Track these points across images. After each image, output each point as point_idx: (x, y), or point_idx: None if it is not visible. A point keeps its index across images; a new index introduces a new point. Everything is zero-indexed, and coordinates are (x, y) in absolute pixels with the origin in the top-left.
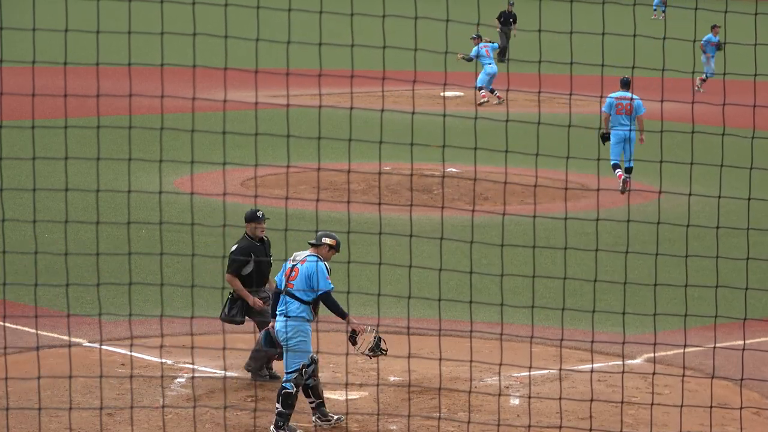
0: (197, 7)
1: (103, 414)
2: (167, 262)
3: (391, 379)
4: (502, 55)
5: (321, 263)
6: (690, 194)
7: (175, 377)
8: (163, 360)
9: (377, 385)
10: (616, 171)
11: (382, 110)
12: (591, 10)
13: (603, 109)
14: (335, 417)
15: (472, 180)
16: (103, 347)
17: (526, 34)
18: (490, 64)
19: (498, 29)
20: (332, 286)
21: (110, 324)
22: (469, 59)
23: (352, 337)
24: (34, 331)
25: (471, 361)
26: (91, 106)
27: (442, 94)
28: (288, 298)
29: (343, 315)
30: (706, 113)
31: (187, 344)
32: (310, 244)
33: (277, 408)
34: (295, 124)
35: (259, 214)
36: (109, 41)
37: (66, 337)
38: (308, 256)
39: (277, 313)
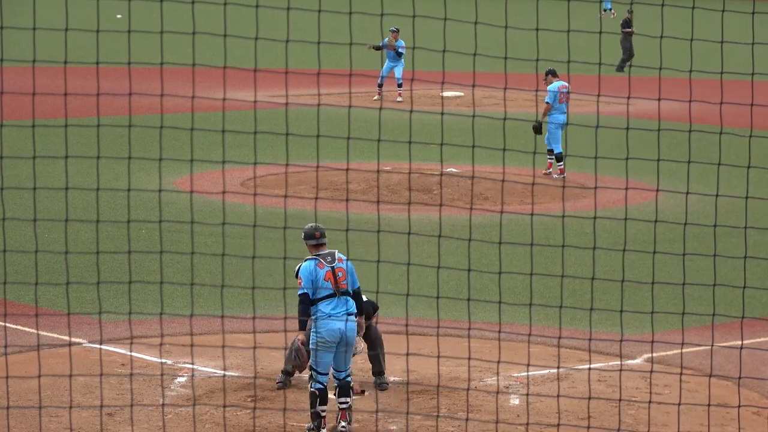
0: (197, 7)
1: (103, 414)
2: (167, 261)
3: (391, 379)
4: (624, 62)
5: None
6: (688, 193)
7: (175, 377)
8: (163, 360)
9: (377, 384)
10: (560, 163)
11: (381, 109)
12: (589, 9)
13: (547, 100)
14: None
15: (471, 179)
16: (103, 347)
17: (526, 33)
18: (391, 60)
19: (621, 37)
20: None
21: (110, 324)
22: (378, 48)
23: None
24: (34, 330)
25: (470, 359)
26: (91, 105)
27: (441, 93)
28: (347, 298)
29: (364, 312)
30: (704, 112)
31: (187, 344)
32: (322, 242)
33: (347, 403)
34: (294, 124)
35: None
36: (109, 41)
37: (66, 337)
38: (338, 254)
39: (344, 313)
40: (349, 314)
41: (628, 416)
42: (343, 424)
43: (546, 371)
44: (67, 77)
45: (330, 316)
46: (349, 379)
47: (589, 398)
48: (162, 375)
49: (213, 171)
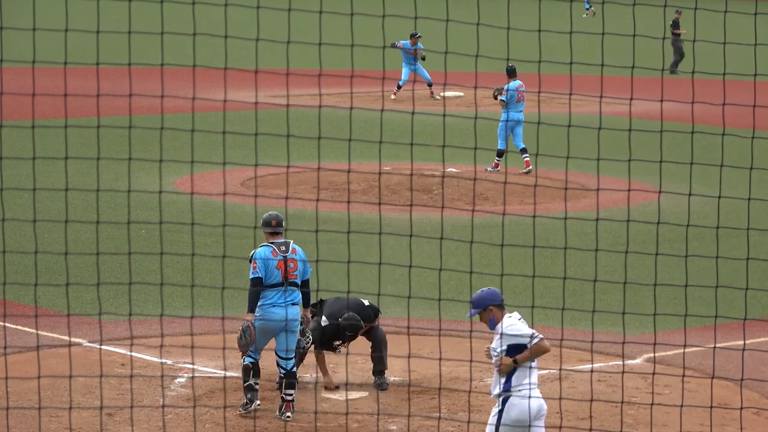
0: (197, 7)
1: (103, 414)
2: (167, 261)
3: (391, 379)
4: (674, 66)
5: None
6: (690, 194)
7: (175, 377)
8: (163, 360)
9: (377, 384)
10: (499, 158)
11: (382, 110)
12: (589, 9)
13: (503, 98)
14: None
15: (472, 180)
16: (103, 347)
17: (527, 34)
18: (409, 64)
19: (671, 39)
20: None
21: (110, 324)
22: (402, 48)
23: (303, 330)
24: (34, 331)
25: (471, 360)
26: (91, 106)
27: (441, 94)
28: (294, 289)
29: (309, 303)
30: (706, 113)
31: (187, 344)
32: (278, 231)
33: (292, 395)
34: (295, 124)
35: None
36: (109, 41)
37: (66, 337)
38: (292, 245)
39: (288, 303)
40: (293, 303)
41: (628, 416)
42: (288, 414)
43: (547, 371)
44: (67, 77)
45: (274, 305)
46: (294, 369)
47: (591, 399)
48: (162, 375)
49: (213, 171)
